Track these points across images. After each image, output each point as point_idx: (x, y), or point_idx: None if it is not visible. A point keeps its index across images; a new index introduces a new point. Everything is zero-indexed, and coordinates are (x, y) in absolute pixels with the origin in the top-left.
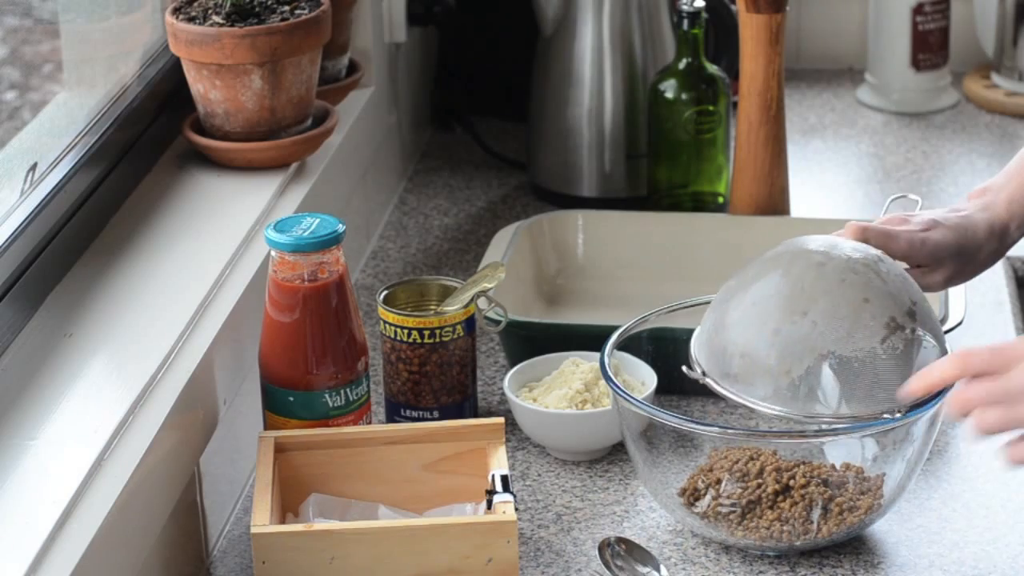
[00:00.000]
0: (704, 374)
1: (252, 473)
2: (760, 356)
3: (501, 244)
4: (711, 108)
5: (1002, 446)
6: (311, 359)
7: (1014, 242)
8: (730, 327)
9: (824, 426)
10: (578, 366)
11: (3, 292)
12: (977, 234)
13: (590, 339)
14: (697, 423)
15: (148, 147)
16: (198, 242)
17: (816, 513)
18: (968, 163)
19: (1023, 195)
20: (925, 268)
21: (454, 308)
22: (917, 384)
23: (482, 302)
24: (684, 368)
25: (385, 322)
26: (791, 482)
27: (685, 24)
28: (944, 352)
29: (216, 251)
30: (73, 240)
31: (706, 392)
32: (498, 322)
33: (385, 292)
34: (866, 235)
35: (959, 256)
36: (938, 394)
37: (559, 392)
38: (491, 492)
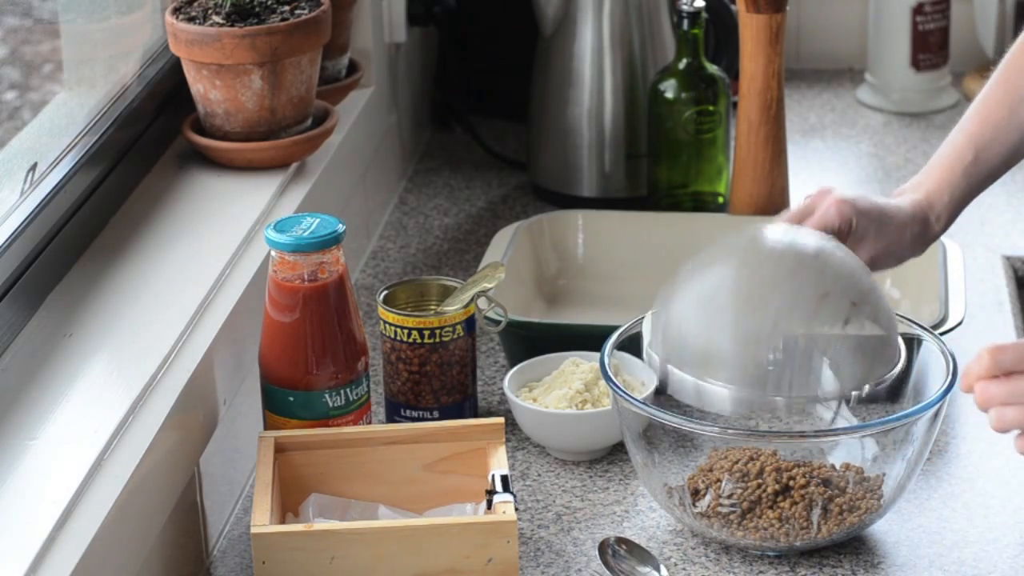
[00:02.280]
0: (665, 362)
1: (252, 473)
2: (722, 346)
3: (501, 244)
4: (711, 108)
5: (1017, 435)
6: (311, 359)
7: (936, 235)
8: (689, 319)
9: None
10: (578, 366)
11: (3, 292)
12: (902, 212)
13: (590, 339)
14: (697, 423)
15: (148, 147)
16: (198, 242)
17: (816, 513)
18: None
19: (939, 187)
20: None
21: (454, 308)
22: (961, 384)
23: (482, 302)
24: (644, 358)
25: (385, 322)
26: (791, 482)
27: (685, 24)
28: (894, 339)
29: (216, 251)
30: (73, 240)
31: None
32: (498, 322)
33: (385, 292)
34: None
35: (884, 231)
36: (939, 394)
37: (559, 392)
38: (491, 492)
